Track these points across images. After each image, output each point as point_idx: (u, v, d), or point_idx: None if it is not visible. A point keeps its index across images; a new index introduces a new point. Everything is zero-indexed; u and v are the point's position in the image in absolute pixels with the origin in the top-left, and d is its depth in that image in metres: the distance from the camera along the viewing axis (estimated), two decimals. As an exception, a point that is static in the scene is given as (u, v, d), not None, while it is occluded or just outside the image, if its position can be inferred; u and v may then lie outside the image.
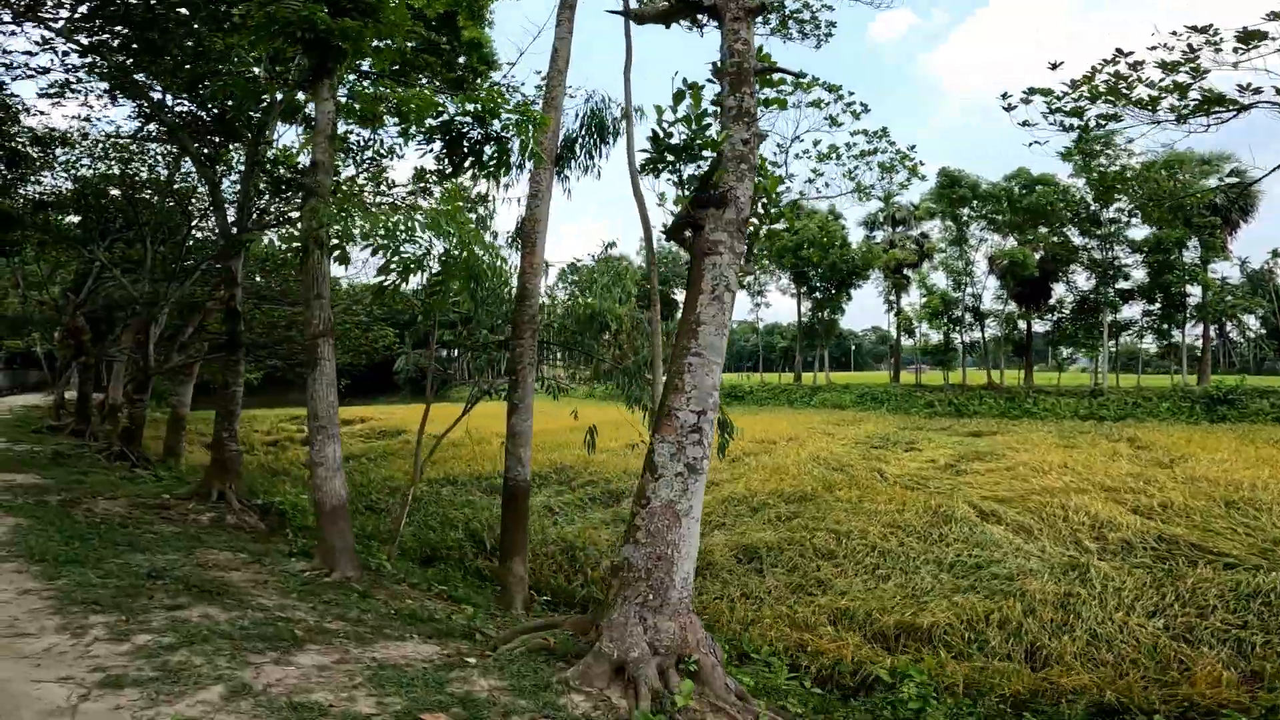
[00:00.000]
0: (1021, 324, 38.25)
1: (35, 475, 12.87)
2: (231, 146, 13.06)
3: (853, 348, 75.40)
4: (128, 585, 6.19)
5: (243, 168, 13.11)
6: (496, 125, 8.64)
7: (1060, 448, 25.67)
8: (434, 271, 7.92)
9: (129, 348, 25.37)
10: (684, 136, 5.16)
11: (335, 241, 8.08)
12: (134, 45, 11.11)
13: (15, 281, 22.04)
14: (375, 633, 6.33)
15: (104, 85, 13.24)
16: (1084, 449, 25.17)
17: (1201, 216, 32.70)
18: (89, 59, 12.22)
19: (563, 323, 12.36)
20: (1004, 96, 9.73)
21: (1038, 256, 35.86)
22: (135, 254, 20.32)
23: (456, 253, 8.17)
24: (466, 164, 8.59)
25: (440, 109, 7.97)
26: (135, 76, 12.04)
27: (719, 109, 5.94)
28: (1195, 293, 35.48)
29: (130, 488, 13.29)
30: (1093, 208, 34.03)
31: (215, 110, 12.42)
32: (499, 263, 10.32)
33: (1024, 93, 9.66)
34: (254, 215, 12.99)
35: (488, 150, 8.86)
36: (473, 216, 11.23)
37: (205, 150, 12.80)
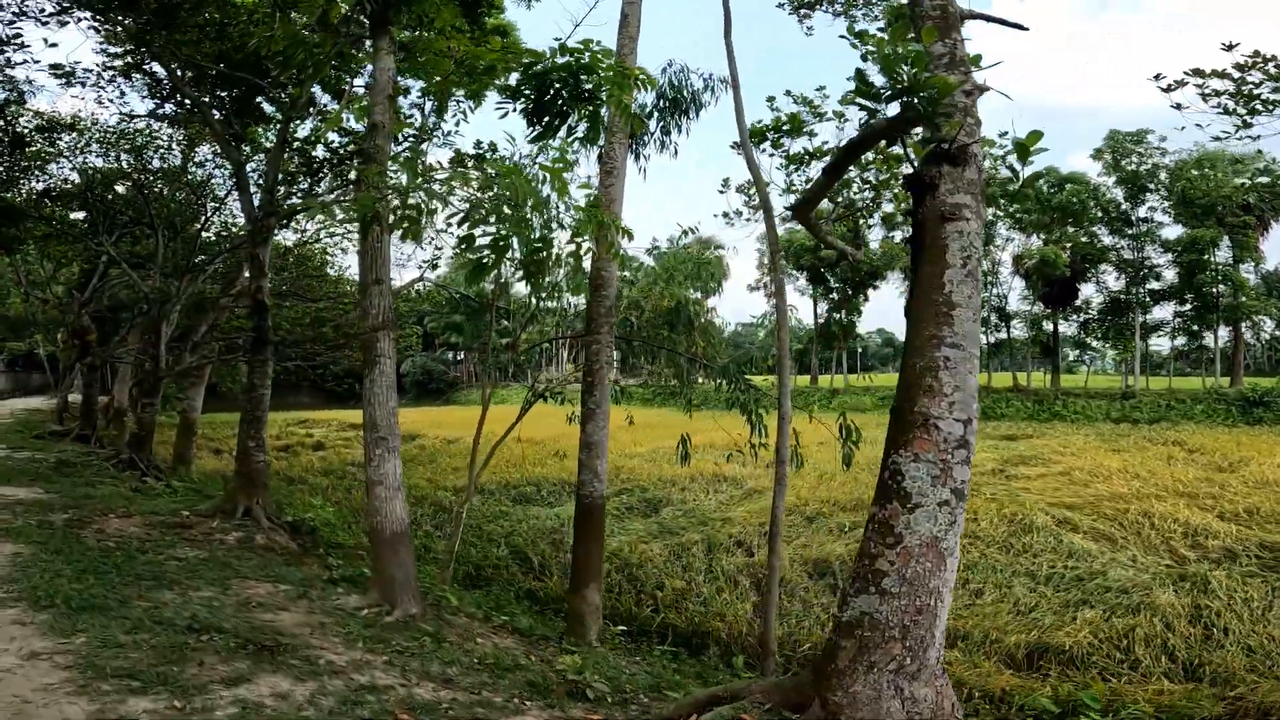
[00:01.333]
0: (1047, 325, 36.97)
1: (38, 489, 11.38)
2: (259, 124, 11.62)
3: (859, 350, 74.17)
4: (166, 644, 4.74)
5: (267, 149, 11.69)
6: (588, 84, 7.23)
7: (1107, 451, 24.47)
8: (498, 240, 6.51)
9: (135, 349, 23.87)
10: (902, 75, 3.76)
11: (402, 212, 6.63)
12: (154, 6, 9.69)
13: (18, 279, 20.47)
14: (481, 702, 4.90)
15: (119, 62, 11.83)
16: (1132, 453, 23.96)
17: (1235, 216, 31.59)
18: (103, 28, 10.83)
19: (642, 316, 10.91)
20: (1157, 78, 8.60)
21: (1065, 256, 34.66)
22: (145, 249, 18.82)
23: (534, 224, 6.77)
24: (555, 126, 7.17)
25: (536, 58, 6.55)
26: (154, 45, 10.62)
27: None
28: (1220, 292, 34.33)
29: (144, 502, 11.80)
30: (1123, 206, 32.91)
31: (240, 89, 11.00)
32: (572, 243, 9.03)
33: (1185, 72, 8.50)
34: (285, 197, 11.56)
35: (573, 116, 7.45)
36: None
37: (232, 128, 11.36)
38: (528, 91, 6.61)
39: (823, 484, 19.62)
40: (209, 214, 16.94)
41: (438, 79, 8.10)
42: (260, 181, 11.89)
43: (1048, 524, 15.14)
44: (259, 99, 11.37)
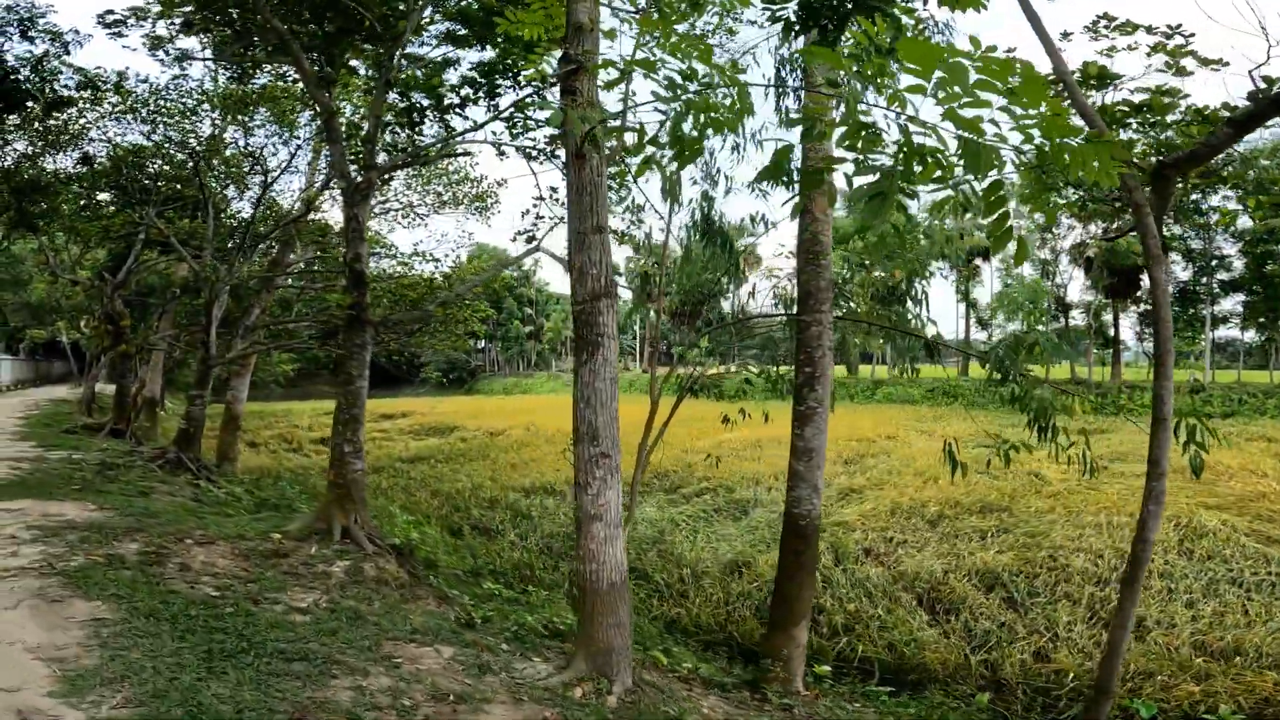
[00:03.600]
0: (1107, 316, 34.81)
1: (89, 504, 9.17)
2: (358, 55, 9.34)
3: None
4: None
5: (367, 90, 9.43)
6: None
7: (1214, 447, 22.41)
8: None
9: (168, 336, 21.66)
10: None
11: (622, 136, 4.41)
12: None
13: (45, 260, 18.20)
14: None
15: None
16: (1234, 449, 21.92)
17: (1310, 203, 29.38)
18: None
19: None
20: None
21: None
22: (182, 229, 16.54)
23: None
24: (833, 35, 4.96)
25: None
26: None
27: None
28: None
29: (213, 518, 9.60)
30: (1194, 196, 30.77)
31: (334, 15, 8.72)
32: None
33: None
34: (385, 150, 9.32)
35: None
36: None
37: (322, 68, 9.10)
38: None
39: (928, 485, 17.57)
40: (268, 182, 14.64)
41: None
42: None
43: (1217, 527, 13.24)
44: (354, 37, 9.08)
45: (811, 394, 6.85)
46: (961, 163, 3.36)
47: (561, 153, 11.71)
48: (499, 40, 9.08)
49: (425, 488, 19.06)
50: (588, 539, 5.09)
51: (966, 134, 3.32)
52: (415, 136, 9.64)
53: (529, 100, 9.54)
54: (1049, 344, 7.05)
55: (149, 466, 13.76)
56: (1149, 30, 8.22)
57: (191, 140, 14.76)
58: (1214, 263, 32.68)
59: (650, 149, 4.33)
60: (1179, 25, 8.24)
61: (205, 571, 6.67)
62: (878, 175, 3.36)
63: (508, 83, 9.45)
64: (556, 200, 11.74)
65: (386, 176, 9.41)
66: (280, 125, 14.04)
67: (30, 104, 12.06)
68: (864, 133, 3.69)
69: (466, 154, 9.94)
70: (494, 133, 10.61)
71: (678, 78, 4.08)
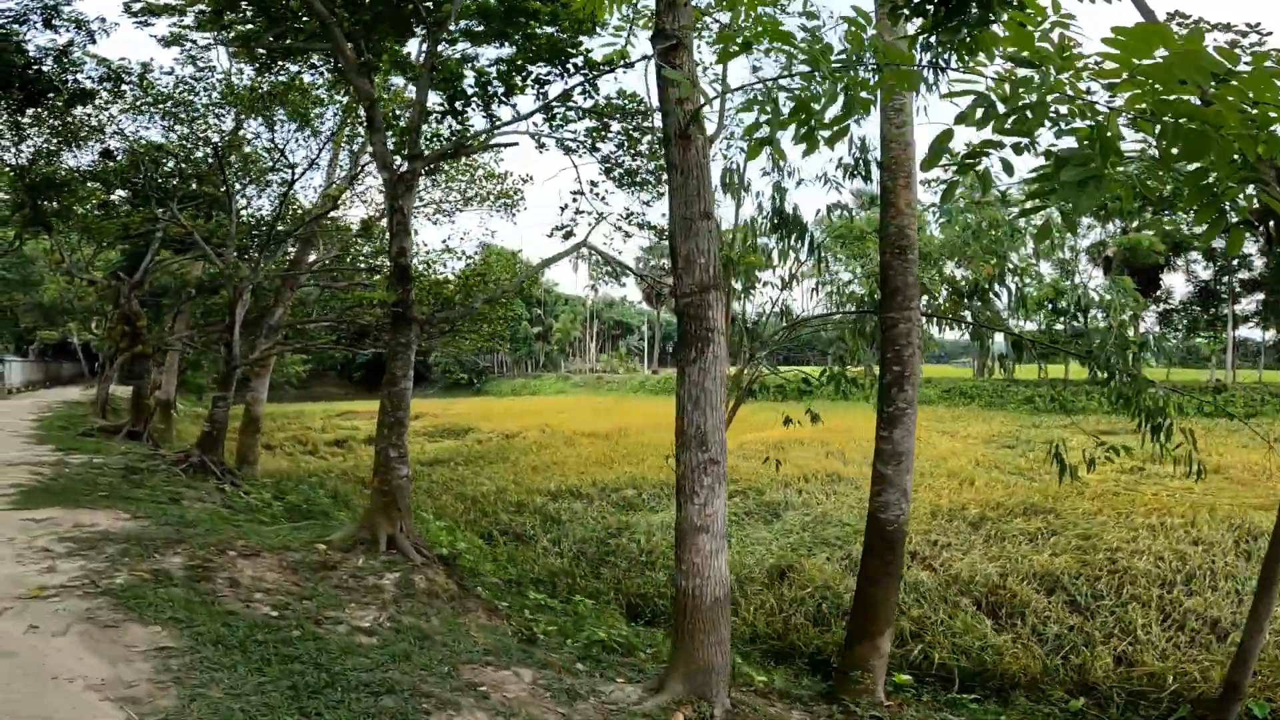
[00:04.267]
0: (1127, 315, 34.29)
1: (120, 511, 8.71)
2: (401, 40, 8.87)
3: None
4: None
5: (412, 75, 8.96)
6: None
7: (1236, 447, 21.92)
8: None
9: (185, 337, 21.22)
10: None
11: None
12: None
13: (60, 259, 17.73)
14: None
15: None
16: (1259, 448, 21.42)
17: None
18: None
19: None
20: None
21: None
22: (213, 223, 16.08)
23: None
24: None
25: None
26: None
27: None
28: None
29: (249, 525, 9.15)
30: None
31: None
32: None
33: None
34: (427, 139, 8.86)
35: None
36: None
37: (362, 55, 8.62)
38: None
39: (964, 486, 17.13)
40: (295, 178, 14.17)
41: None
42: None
43: (1270, 527, 12.77)
44: (393, 23, 8.61)
45: (901, 394, 6.38)
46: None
47: (604, 146, 11.29)
48: (517, 39, 8.66)
49: (449, 491, 18.58)
50: (692, 552, 4.62)
51: (1176, 119, 2.95)
52: (460, 126, 9.18)
53: (577, 89, 9.09)
54: (1155, 342, 6.56)
55: (172, 470, 13.31)
56: (1226, 28, 7.83)
57: (214, 135, 14.31)
58: (1234, 261, 32.20)
59: (764, 130, 3.84)
60: (1258, 24, 7.79)
61: (256, 587, 6.21)
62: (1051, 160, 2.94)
63: (553, 70, 8.99)
64: (597, 195, 11.28)
65: (430, 167, 8.94)
66: (302, 123, 13.60)
67: (51, 95, 11.59)
68: (1026, 114, 3.27)
69: (513, 144, 9.46)
70: (534, 124, 10.16)
71: (803, 52, 3.62)
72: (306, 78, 12.87)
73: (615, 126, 10.88)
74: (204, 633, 4.48)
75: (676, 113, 4.63)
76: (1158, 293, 33.53)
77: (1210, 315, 32.18)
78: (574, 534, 14.48)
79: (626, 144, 11.23)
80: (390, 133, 9.22)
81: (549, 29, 8.51)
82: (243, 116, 13.71)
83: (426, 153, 8.82)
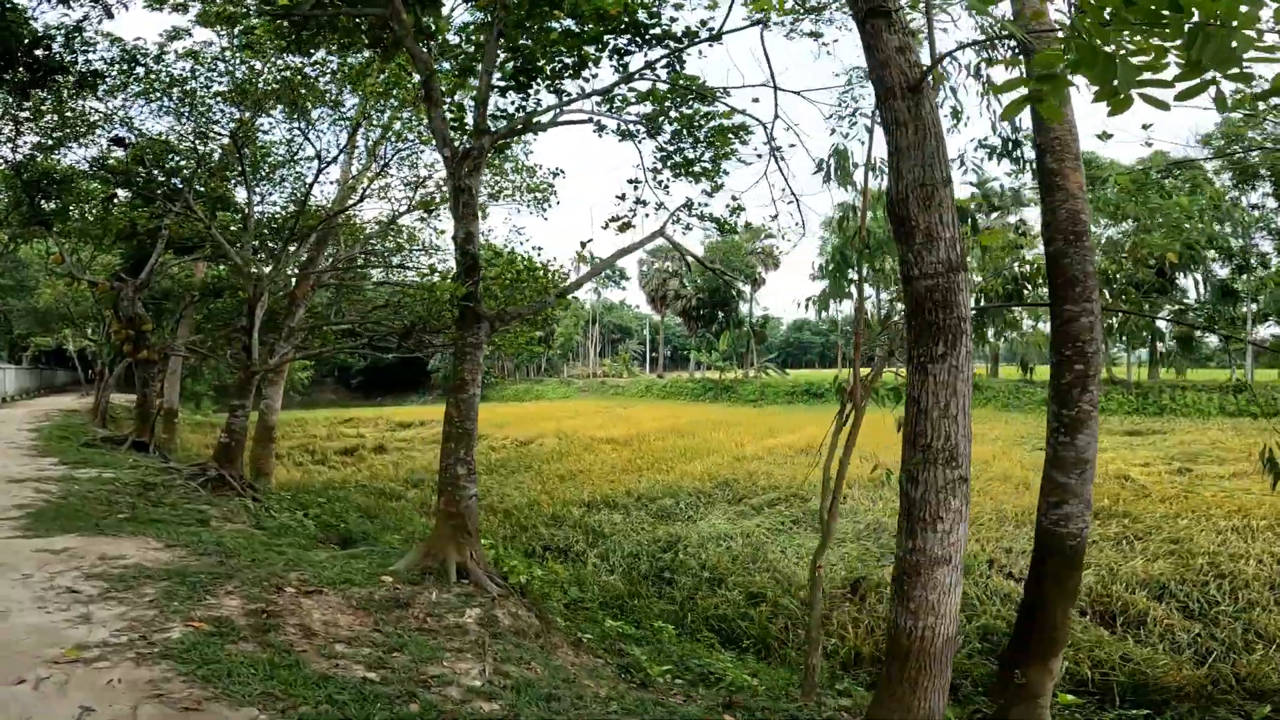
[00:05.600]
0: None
1: (148, 539, 7.58)
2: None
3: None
4: None
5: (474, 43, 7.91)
6: None
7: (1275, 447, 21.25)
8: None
9: (192, 342, 20.02)
10: None
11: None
12: None
13: (60, 259, 16.51)
14: None
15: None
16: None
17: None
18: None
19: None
20: None
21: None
22: (223, 220, 14.93)
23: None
24: None
25: None
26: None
27: None
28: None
29: (293, 551, 8.04)
30: (1232, 194, 29.58)
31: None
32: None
33: None
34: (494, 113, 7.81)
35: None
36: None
37: (419, 20, 7.58)
38: None
39: (1019, 490, 16.29)
40: (321, 168, 13.03)
41: None
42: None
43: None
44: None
45: (1084, 396, 5.40)
46: None
47: (661, 135, 10.27)
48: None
49: (479, 504, 17.44)
50: (927, 587, 3.63)
51: None
52: (523, 101, 8.13)
53: (660, 63, 8.07)
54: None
55: (189, 485, 12.15)
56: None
57: (229, 125, 13.17)
58: (1252, 260, 31.57)
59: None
60: None
61: (333, 635, 5.13)
62: None
63: (635, 41, 7.97)
64: (660, 184, 10.27)
65: (501, 142, 7.90)
66: (332, 106, 12.52)
67: (58, 77, 10.43)
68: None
69: (585, 121, 8.42)
70: (596, 102, 9.12)
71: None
72: (333, 62, 11.80)
73: (673, 114, 9.89)
74: (310, 715, 3.40)
75: (899, 62, 3.65)
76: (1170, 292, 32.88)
77: (1229, 314, 31.52)
78: (622, 548, 13.42)
79: (685, 131, 10.27)
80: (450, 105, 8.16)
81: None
82: (262, 103, 12.57)
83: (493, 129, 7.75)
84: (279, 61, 11.67)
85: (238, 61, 11.57)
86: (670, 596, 10.80)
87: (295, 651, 4.56)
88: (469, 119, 8.83)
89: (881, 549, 12.88)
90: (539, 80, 8.21)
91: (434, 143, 15.00)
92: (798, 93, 7.89)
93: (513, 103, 8.27)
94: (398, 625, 5.71)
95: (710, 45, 8.14)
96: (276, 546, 8.07)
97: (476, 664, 5.13)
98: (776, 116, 8.24)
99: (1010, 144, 6.46)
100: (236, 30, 10.71)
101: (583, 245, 8.90)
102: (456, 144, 7.70)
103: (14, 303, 28.62)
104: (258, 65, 11.72)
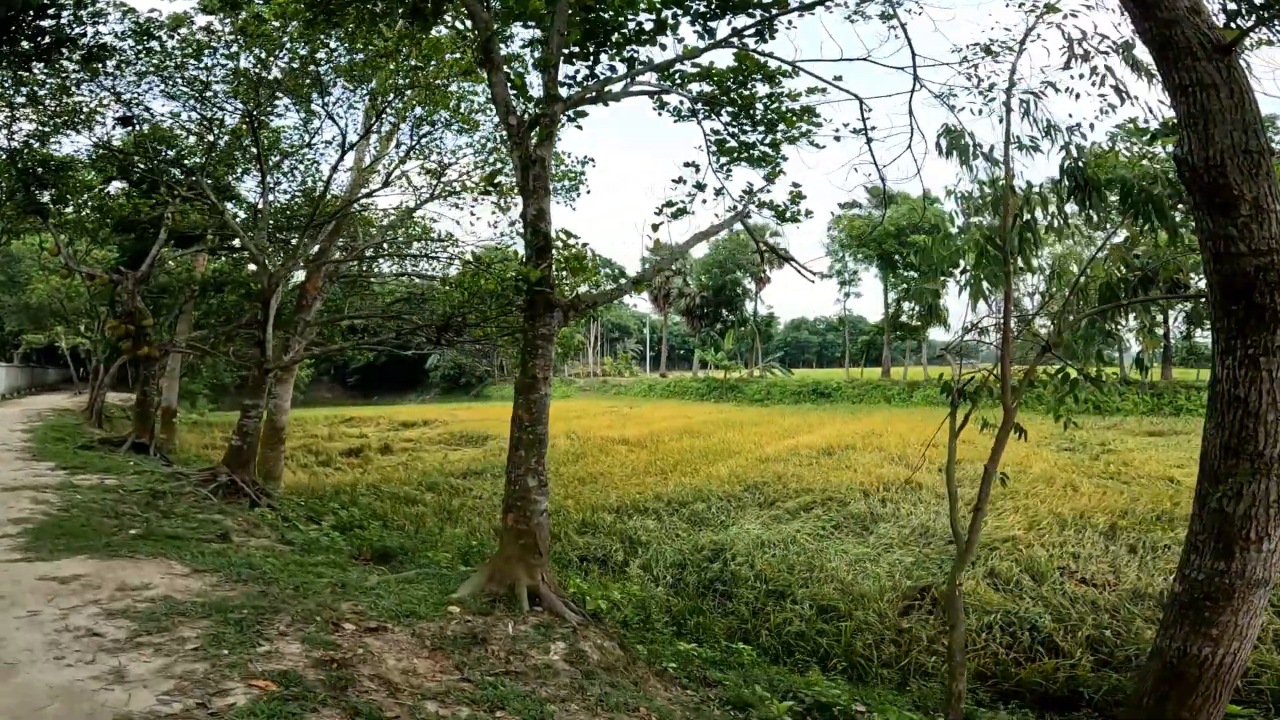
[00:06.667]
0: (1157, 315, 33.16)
1: (175, 563, 6.60)
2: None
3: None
4: None
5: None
6: None
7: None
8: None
9: (194, 338, 18.96)
10: None
11: None
12: None
13: (56, 250, 15.44)
14: None
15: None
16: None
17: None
18: None
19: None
20: None
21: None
22: (192, 222, 13.91)
23: None
24: None
25: None
26: None
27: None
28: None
29: (328, 570, 7.12)
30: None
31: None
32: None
33: None
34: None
35: None
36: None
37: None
38: None
39: (1068, 493, 15.66)
40: (342, 154, 12.02)
41: None
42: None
43: None
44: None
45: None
46: None
47: (716, 119, 9.40)
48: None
49: (500, 509, 16.52)
50: (1239, 612, 2.86)
51: None
52: (589, 69, 7.22)
53: (749, 30, 7.20)
54: None
55: (200, 492, 11.16)
56: None
57: (241, 106, 12.18)
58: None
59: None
60: None
61: (416, 688, 4.21)
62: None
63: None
64: (721, 171, 9.40)
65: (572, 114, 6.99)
66: (359, 84, 11.56)
67: (64, 51, 9.44)
68: None
69: (660, 90, 7.55)
70: (658, 78, 8.24)
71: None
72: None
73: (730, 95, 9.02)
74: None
75: (1194, 22, 2.85)
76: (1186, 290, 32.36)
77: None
78: (664, 558, 12.52)
79: (742, 114, 9.43)
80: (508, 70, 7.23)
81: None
82: (279, 85, 11.58)
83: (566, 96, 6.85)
84: (292, 48, 10.73)
85: (246, 52, 10.62)
86: (733, 611, 9.93)
87: (385, 717, 3.65)
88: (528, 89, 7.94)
89: (938, 554, 12.09)
90: (609, 48, 7.31)
91: (460, 125, 14.16)
92: (901, 69, 7.04)
93: (577, 70, 7.35)
94: (480, 668, 4.81)
95: (800, 15, 7.28)
96: (313, 567, 7.13)
97: (590, 717, 4.24)
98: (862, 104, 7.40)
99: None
100: (241, 17, 9.77)
101: (654, 229, 8.00)
102: (520, 111, 6.79)
103: (5, 298, 27.33)
104: (262, 54, 10.77)
